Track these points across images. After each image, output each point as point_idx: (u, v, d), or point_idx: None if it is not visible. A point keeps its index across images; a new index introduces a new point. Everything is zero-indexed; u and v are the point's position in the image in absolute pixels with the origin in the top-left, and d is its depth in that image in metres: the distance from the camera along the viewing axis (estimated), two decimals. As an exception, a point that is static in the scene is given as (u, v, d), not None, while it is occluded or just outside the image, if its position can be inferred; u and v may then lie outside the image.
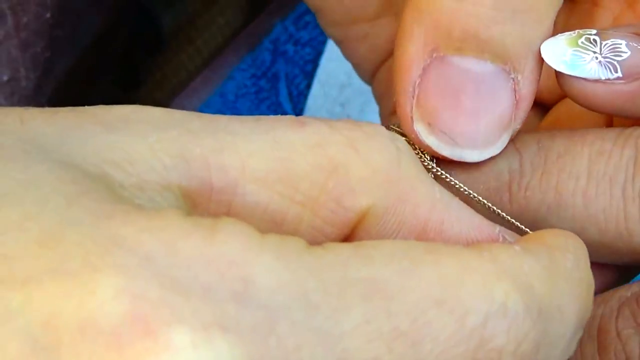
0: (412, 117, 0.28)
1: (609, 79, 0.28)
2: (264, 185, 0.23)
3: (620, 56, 0.28)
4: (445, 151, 0.28)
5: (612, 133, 0.29)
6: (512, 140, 0.29)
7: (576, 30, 0.29)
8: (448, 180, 0.28)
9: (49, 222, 0.20)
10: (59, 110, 0.23)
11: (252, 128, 0.24)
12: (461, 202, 0.26)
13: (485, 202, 0.28)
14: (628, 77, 0.28)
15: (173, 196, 0.23)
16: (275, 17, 0.57)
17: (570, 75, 0.28)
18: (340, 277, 0.21)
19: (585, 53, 0.28)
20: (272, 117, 0.24)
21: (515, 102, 0.28)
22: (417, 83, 0.28)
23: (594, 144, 0.29)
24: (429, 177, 0.25)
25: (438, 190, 0.25)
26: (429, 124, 0.28)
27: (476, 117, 0.28)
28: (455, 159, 0.28)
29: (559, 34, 0.28)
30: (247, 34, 0.56)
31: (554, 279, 0.24)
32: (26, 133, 0.22)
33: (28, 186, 0.21)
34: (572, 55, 0.28)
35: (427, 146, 0.28)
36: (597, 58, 0.28)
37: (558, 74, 0.29)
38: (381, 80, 0.39)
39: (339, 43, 0.39)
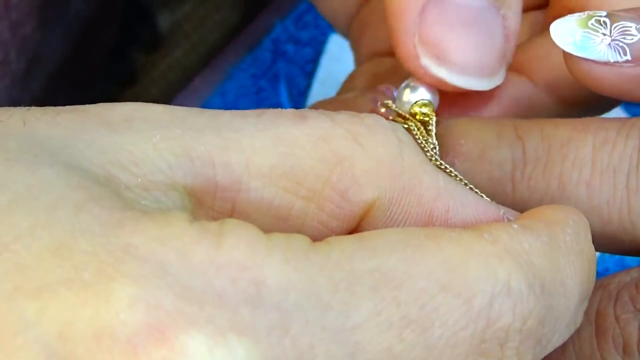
0: (417, 55, 0.28)
1: (617, 62, 0.28)
2: (268, 181, 0.23)
3: (630, 39, 0.28)
4: (458, 81, 0.29)
5: (615, 122, 0.29)
6: (515, 129, 0.29)
7: (586, 12, 0.29)
8: (448, 171, 0.28)
9: (60, 230, 0.20)
10: (60, 110, 0.23)
11: (255, 124, 0.24)
12: (465, 188, 0.26)
13: (484, 196, 0.28)
14: (637, 60, 0.28)
15: (178, 195, 0.23)
16: (275, 17, 0.57)
17: (578, 57, 0.28)
18: (348, 271, 0.21)
19: (595, 35, 0.28)
20: (274, 110, 0.24)
21: (506, 37, 0.29)
22: (416, 22, 0.28)
23: (598, 133, 0.28)
24: (432, 166, 0.25)
25: (442, 178, 0.25)
26: (437, 57, 0.28)
27: (480, 48, 0.29)
28: (467, 88, 0.29)
29: (569, 15, 0.29)
30: (247, 34, 0.56)
31: (554, 254, 0.24)
32: (31, 135, 0.22)
33: (37, 192, 0.21)
34: (582, 37, 0.28)
35: (438, 79, 0.29)
36: (606, 40, 0.28)
37: (566, 55, 0.29)
38: (354, 30, 0.40)
39: (313, 0, 0.41)
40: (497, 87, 0.33)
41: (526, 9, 0.38)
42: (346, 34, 0.41)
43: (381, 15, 0.38)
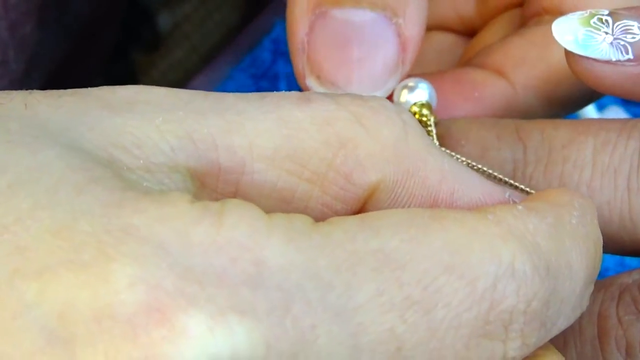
0: (303, 74, 0.29)
1: (619, 61, 0.28)
2: (272, 163, 0.23)
3: (632, 38, 0.28)
4: None
5: (616, 123, 0.29)
6: (516, 130, 0.29)
7: (588, 10, 0.29)
8: (452, 155, 0.28)
9: (60, 212, 0.20)
10: (62, 93, 0.23)
11: (258, 107, 0.24)
12: (470, 170, 0.26)
13: (492, 171, 0.28)
14: (639, 59, 0.28)
15: (181, 177, 0.23)
16: (275, 17, 0.57)
17: (580, 55, 0.28)
18: (350, 251, 0.21)
19: (597, 33, 0.28)
20: (277, 93, 0.24)
21: (400, 45, 0.28)
22: (305, 40, 0.28)
23: (599, 134, 0.28)
24: (437, 148, 0.25)
25: (447, 160, 0.25)
26: (318, 77, 0.28)
27: (361, 64, 0.28)
28: None
29: (571, 13, 0.28)
30: (247, 33, 0.56)
31: (559, 236, 0.24)
32: (32, 117, 0.22)
33: (38, 173, 0.21)
34: (584, 35, 0.28)
35: None
36: (608, 39, 0.28)
37: (567, 54, 0.29)
38: None
39: None
40: (476, 89, 0.33)
41: (505, 7, 0.38)
42: None
43: None
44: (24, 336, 0.19)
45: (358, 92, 0.28)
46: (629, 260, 0.46)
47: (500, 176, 0.28)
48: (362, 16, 0.28)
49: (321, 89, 0.29)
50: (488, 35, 0.38)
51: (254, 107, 0.23)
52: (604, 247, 0.28)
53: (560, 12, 0.34)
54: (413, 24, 0.28)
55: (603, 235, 0.28)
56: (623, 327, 0.27)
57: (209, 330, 0.19)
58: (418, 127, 0.25)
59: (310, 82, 0.29)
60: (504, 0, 0.38)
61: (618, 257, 0.47)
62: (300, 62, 0.29)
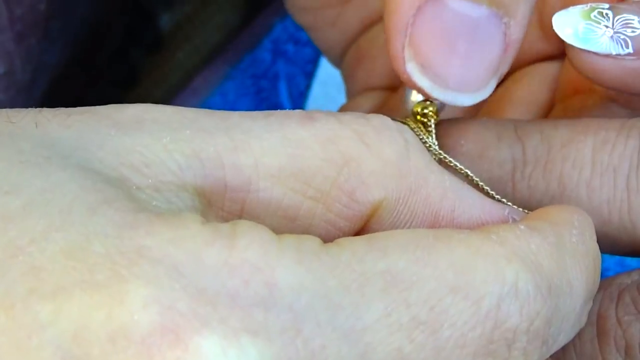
0: (404, 58, 0.27)
1: (619, 55, 0.28)
2: (277, 181, 0.24)
3: (633, 32, 0.28)
4: (438, 93, 0.27)
5: (615, 123, 0.29)
6: (515, 129, 0.29)
7: (588, 4, 0.29)
8: (452, 165, 0.28)
9: (74, 233, 0.20)
10: (71, 112, 0.24)
11: (263, 125, 0.24)
12: (471, 188, 0.26)
13: (489, 189, 0.28)
14: (639, 53, 0.28)
15: (188, 196, 0.23)
16: (275, 17, 0.57)
17: (580, 49, 0.28)
18: (359, 273, 0.21)
19: (598, 27, 0.28)
20: (282, 112, 0.25)
21: (505, 47, 0.27)
22: (410, 23, 0.27)
23: (598, 134, 0.28)
24: (438, 166, 0.25)
25: (448, 178, 0.25)
26: (422, 65, 0.27)
27: (469, 60, 0.27)
28: (447, 102, 0.28)
29: (571, 7, 0.29)
30: (247, 34, 0.56)
31: (560, 254, 0.24)
32: (43, 137, 0.22)
33: (51, 195, 0.21)
34: (584, 29, 0.28)
35: (420, 88, 0.27)
36: (609, 33, 0.28)
37: (568, 47, 0.29)
38: (349, 60, 0.40)
39: (308, 29, 0.40)
40: None
41: (536, 59, 0.37)
42: (338, 65, 0.41)
43: (379, 47, 0.38)
44: (39, 356, 0.19)
45: (461, 90, 0.27)
46: (629, 261, 0.47)
47: (487, 190, 0.28)
48: (478, 11, 0.27)
49: (424, 79, 0.27)
50: (514, 89, 0.37)
51: (259, 126, 0.24)
52: (603, 247, 0.29)
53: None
54: (520, 27, 0.27)
55: (602, 235, 0.28)
56: (622, 328, 0.27)
57: (222, 351, 0.19)
58: (419, 145, 0.25)
59: (412, 68, 0.27)
60: (533, 51, 0.37)
61: (618, 257, 0.47)
62: (400, 45, 0.27)
